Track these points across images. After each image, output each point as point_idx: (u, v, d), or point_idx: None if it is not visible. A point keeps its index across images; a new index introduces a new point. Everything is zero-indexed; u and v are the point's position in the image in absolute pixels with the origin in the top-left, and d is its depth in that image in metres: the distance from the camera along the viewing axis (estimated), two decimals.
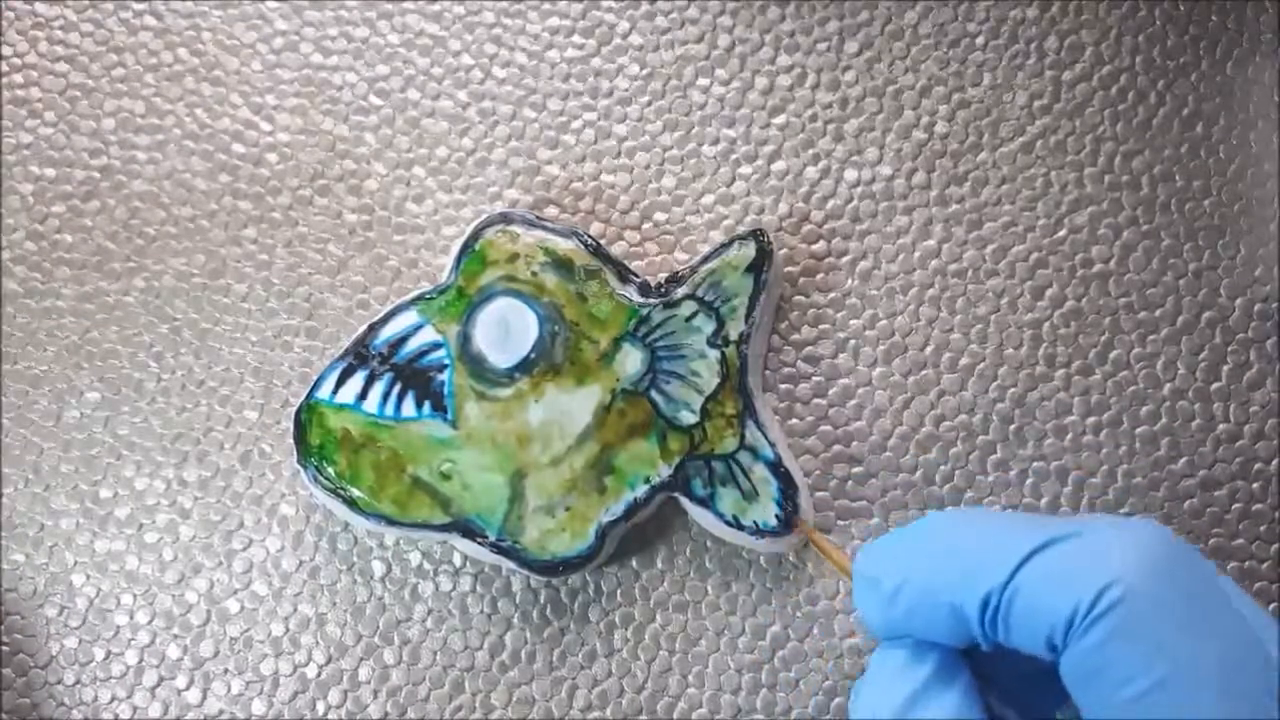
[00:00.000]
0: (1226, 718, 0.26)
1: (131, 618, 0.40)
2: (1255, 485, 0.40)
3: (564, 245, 0.39)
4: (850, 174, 0.42)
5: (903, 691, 0.30)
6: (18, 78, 0.44)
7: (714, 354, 0.39)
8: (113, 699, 0.40)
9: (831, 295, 0.42)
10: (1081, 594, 0.27)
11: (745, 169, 0.42)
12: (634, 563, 0.40)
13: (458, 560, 0.40)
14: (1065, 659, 0.28)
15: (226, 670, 0.40)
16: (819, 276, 0.42)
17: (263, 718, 0.39)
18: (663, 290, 0.39)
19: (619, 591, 0.40)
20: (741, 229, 0.42)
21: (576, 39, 0.43)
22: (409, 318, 0.39)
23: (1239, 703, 0.26)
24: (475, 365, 0.39)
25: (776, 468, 0.38)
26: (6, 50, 0.44)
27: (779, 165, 0.42)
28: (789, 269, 0.42)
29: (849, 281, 0.42)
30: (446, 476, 0.38)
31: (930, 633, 0.30)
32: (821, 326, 0.41)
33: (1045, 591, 0.28)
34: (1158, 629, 0.27)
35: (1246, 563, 0.40)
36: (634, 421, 0.38)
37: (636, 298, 0.39)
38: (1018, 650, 0.29)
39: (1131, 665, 0.27)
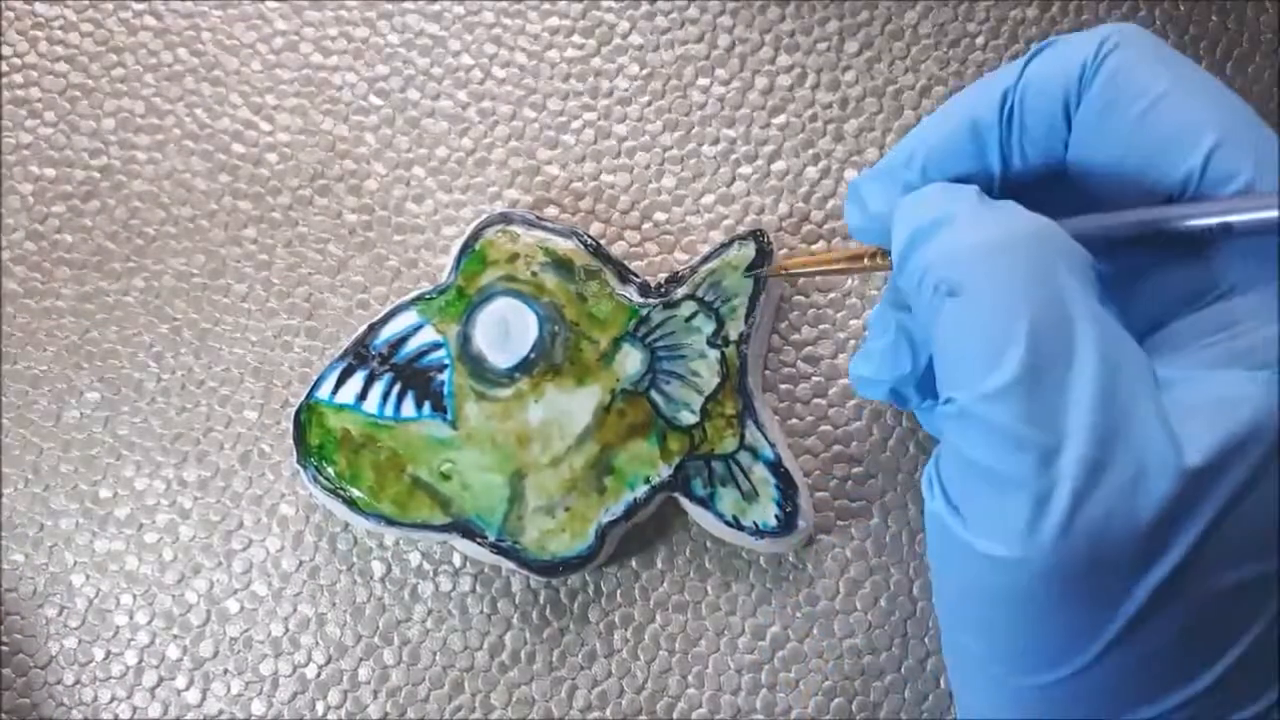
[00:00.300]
0: (1224, 111, 0.30)
1: (131, 618, 0.40)
2: None
3: (564, 245, 0.39)
4: (850, 174, 0.42)
5: (971, 188, 0.31)
6: (17, 77, 0.44)
7: (714, 354, 0.39)
8: (112, 699, 0.40)
9: (831, 295, 0.42)
10: (1085, 52, 0.31)
11: (745, 169, 0.42)
12: (634, 563, 0.40)
13: (457, 560, 0.40)
14: (1079, 115, 0.31)
15: (226, 670, 0.40)
16: (819, 277, 0.42)
17: (262, 718, 0.39)
18: (663, 290, 0.39)
19: (619, 592, 0.40)
20: (741, 229, 0.42)
21: (576, 39, 0.43)
22: (409, 318, 0.39)
23: (1231, 108, 0.31)
24: (475, 365, 0.39)
25: (776, 468, 0.38)
26: (6, 50, 0.44)
27: (779, 165, 0.42)
28: None
29: (849, 281, 0.42)
30: (446, 477, 0.38)
31: (951, 174, 0.32)
32: (821, 326, 0.41)
33: (1054, 68, 0.31)
34: (1156, 55, 0.31)
35: None
36: (634, 421, 0.38)
37: (636, 298, 0.39)
38: (1030, 168, 0.32)
39: (1137, 87, 0.30)
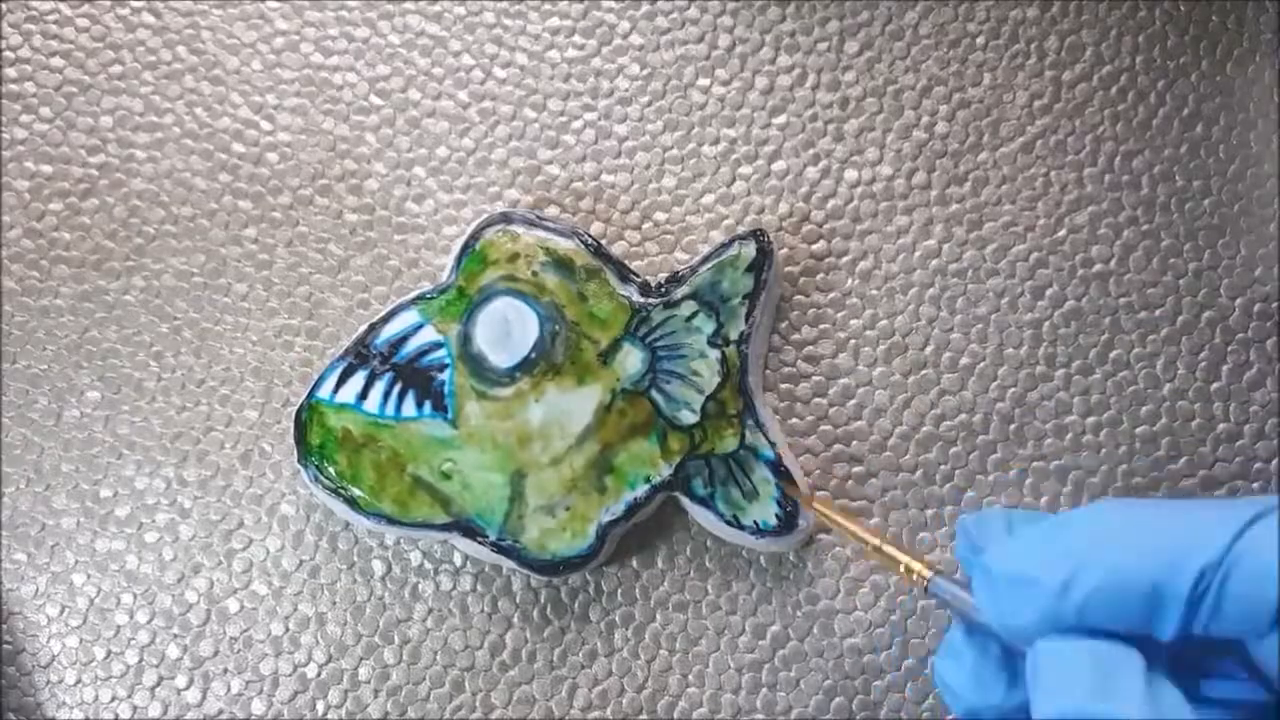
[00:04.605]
0: None
1: (131, 617, 0.40)
2: (1255, 485, 0.40)
3: (564, 245, 0.39)
4: (850, 174, 0.42)
5: (1136, 675, 0.27)
6: (11, 71, 0.44)
7: (714, 354, 0.39)
8: (113, 698, 0.40)
9: (831, 295, 0.42)
10: None
11: (745, 169, 0.42)
12: (634, 562, 0.40)
13: (458, 560, 0.40)
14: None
15: (226, 670, 0.40)
16: (819, 276, 0.42)
17: (262, 717, 0.40)
18: (663, 290, 0.39)
19: (619, 591, 0.40)
20: (741, 229, 0.42)
21: (577, 39, 0.43)
22: (409, 317, 0.39)
23: None
24: (476, 365, 0.39)
25: (776, 467, 0.38)
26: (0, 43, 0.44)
27: (779, 165, 0.42)
28: (789, 269, 0.42)
29: (849, 281, 0.42)
30: (447, 476, 0.38)
31: (1106, 624, 0.28)
32: (821, 326, 0.41)
33: (1269, 561, 0.26)
34: None
35: None
36: (634, 421, 0.38)
37: (637, 297, 0.39)
38: (1206, 637, 0.27)
39: None
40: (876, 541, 0.35)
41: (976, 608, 0.30)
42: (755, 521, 0.38)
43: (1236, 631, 0.27)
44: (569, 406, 0.38)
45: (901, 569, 0.33)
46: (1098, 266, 0.42)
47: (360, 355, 0.39)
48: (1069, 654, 0.28)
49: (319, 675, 0.40)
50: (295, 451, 0.39)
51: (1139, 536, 0.27)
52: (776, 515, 0.38)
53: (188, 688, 0.40)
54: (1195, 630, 0.27)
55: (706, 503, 0.38)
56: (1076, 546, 0.28)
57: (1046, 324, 0.41)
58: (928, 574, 0.33)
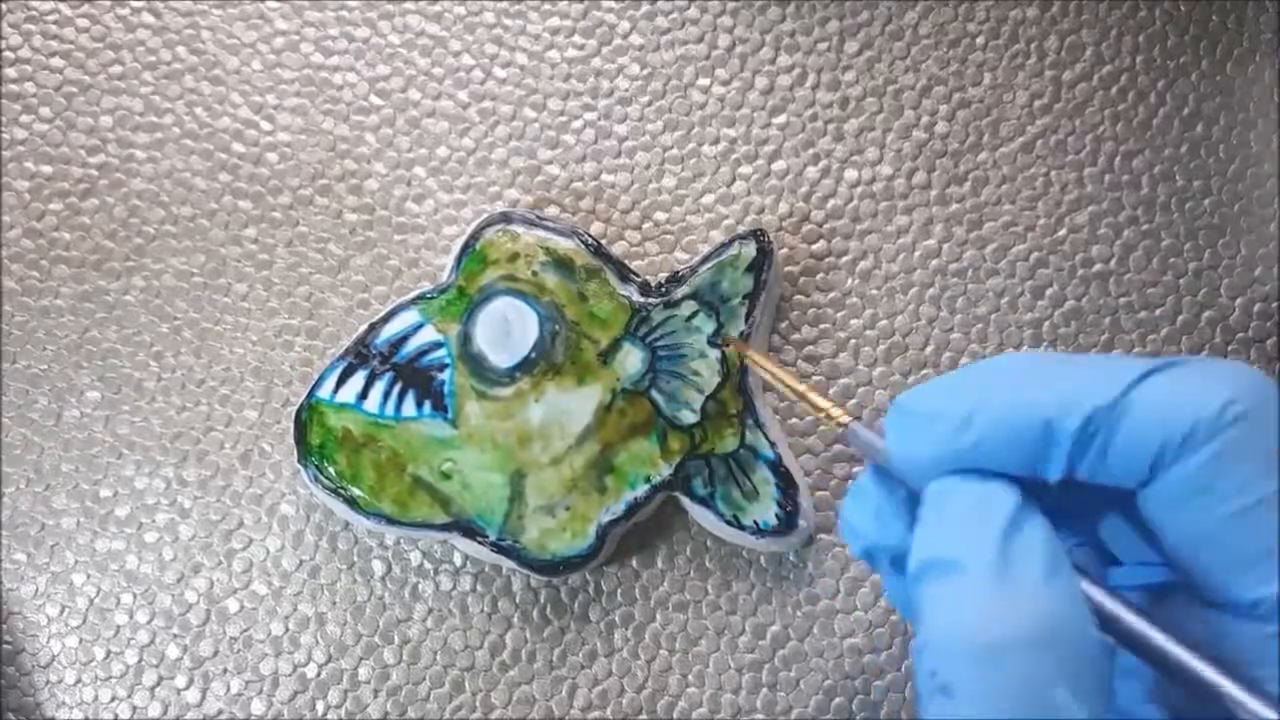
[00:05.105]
0: None
1: (131, 617, 0.40)
2: None
3: (564, 245, 0.39)
4: (850, 174, 0.42)
5: (999, 518, 0.27)
6: (11, 71, 0.44)
7: (714, 353, 0.39)
8: (113, 698, 0.40)
9: (831, 295, 0.42)
10: (1202, 410, 0.26)
11: (745, 169, 0.42)
12: (634, 562, 0.40)
13: (458, 560, 0.40)
14: (1163, 481, 0.27)
15: (226, 670, 0.40)
16: (819, 276, 0.42)
17: (262, 717, 0.40)
18: (663, 290, 0.39)
19: (619, 591, 0.40)
20: (741, 229, 0.42)
21: (577, 39, 0.43)
22: (409, 317, 0.39)
23: None
24: (476, 365, 0.39)
25: (776, 467, 0.38)
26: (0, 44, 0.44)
27: (779, 165, 0.42)
28: (789, 269, 0.42)
29: (849, 281, 0.42)
30: (447, 476, 0.38)
31: (1000, 463, 0.28)
32: (821, 326, 0.41)
33: (1161, 409, 0.27)
34: (1272, 447, 0.27)
35: None
36: (634, 421, 0.38)
37: (637, 297, 0.39)
38: (1088, 482, 0.28)
39: (1241, 480, 0.26)
40: (802, 389, 0.35)
41: (887, 450, 0.30)
42: (755, 521, 0.38)
43: (1119, 478, 0.28)
44: (569, 406, 0.38)
45: (824, 416, 0.33)
46: (1098, 266, 0.42)
47: (360, 355, 0.39)
48: (952, 492, 0.29)
49: (319, 675, 0.40)
50: (295, 451, 0.38)
51: (1043, 377, 0.28)
52: (776, 515, 0.38)
53: (187, 688, 0.40)
54: (1080, 473, 0.28)
55: (706, 503, 0.38)
56: (983, 384, 0.29)
57: (1046, 324, 0.41)
58: (846, 419, 0.33)
